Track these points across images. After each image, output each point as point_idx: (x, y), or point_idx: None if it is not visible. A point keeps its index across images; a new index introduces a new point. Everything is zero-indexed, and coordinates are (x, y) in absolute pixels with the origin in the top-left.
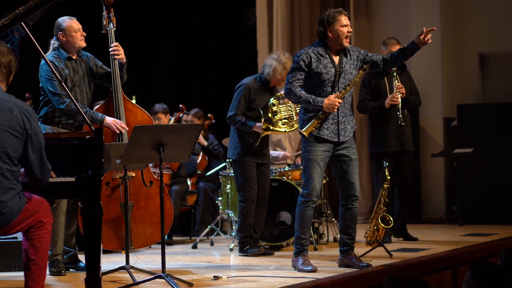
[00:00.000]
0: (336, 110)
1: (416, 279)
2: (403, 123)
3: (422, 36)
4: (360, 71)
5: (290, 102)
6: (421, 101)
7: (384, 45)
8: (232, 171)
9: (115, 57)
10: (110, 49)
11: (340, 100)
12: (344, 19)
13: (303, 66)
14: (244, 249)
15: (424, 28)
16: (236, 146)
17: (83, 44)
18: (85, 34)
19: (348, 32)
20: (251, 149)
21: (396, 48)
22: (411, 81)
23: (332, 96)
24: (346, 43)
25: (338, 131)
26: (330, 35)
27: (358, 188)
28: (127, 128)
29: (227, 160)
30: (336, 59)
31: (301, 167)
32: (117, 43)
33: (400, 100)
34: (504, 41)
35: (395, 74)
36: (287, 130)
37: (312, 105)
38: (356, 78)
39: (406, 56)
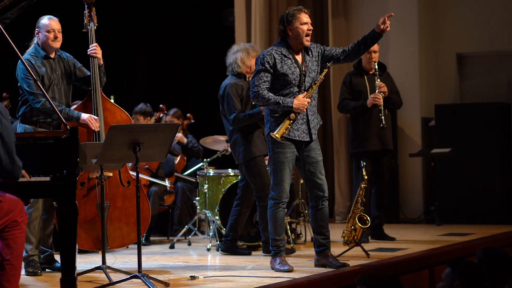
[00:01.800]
0: (305, 110)
1: (389, 276)
2: (385, 125)
3: (381, 24)
4: (325, 70)
5: None
6: (402, 102)
7: None
8: (209, 171)
9: (93, 54)
10: (88, 50)
11: (309, 100)
12: (303, 17)
13: (268, 68)
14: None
15: (381, 18)
16: (242, 148)
17: (55, 45)
18: (59, 36)
19: (308, 30)
20: (256, 144)
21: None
22: (391, 81)
23: (300, 96)
24: (306, 41)
25: (309, 130)
26: (290, 33)
27: (326, 188)
28: (99, 127)
29: (205, 160)
30: (299, 58)
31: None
32: (96, 44)
33: (382, 100)
34: (481, 42)
35: (376, 73)
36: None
37: (281, 106)
38: (321, 76)
39: (368, 45)
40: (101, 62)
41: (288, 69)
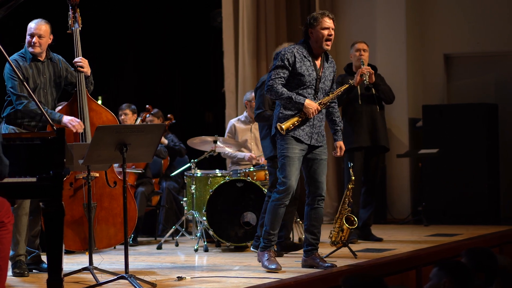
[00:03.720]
0: (312, 115)
1: (373, 277)
2: (368, 82)
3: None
4: (345, 85)
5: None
6: (394, 95)
7: (351, 48)
8: (197, 172)
9: (79, 69)
10: (74, 61)
11: (320, 108)
12: (326, 22)
13: (287, 65)
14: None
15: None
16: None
17: (35, 50)
18: (37, 42)
19: (328, 35)
20: None
21: (362, 45)
22: (382, 80)
23: (314, 101)
24: (326, 46)
25: (311, 134)
26: (312, 36)
27: (325, 189)
28: (82, 128)
29: (192, 160)
30: (318, 62)
31: (266, 168)
32: (81, 57)
33: (367, 77)
34: (469, 42)
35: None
36: None
37: (293, 102)
38: (341, 89)
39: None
40: (88, 73)
41: (306, 71)
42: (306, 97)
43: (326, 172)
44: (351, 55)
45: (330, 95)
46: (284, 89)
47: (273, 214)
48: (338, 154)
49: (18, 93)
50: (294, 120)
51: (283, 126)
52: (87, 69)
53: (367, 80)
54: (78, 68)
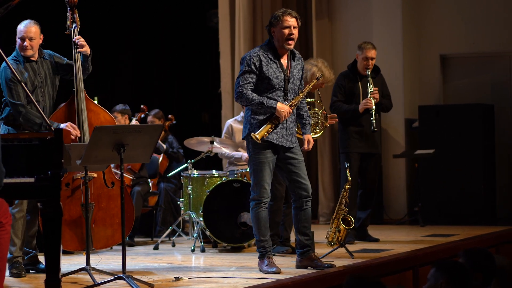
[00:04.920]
0: (284, 119)
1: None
2: (375, 129)
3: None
4: (314, 80)
5: (316, 109)
6: (392, 104)
7: (359, 49)
8: (194, 172)
9: (79, 49)
10: (74, 39)
11: (291, 110)
12: (287, 21)
13: (254, 69)
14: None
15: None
16: None
17: (27, 53)
18: (28, 44)
19: (289, 34)
20: None
21: (371, 53)
22: (384, 84)
23: (285, 104)
24: (287, 45)
25: (286, 136)
26: (274, 36)
27: (310, 189)
28: (79, 133)
29: (189, 161)
30: (284, 62)
31: None
32: (79, 36)
33: (373, 104)
34: (465, 43)
35: (369, 78)
36: (313, 136)
37: (265, 107)
38: (309, 86)
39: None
40: (88, 52)
41: (273, 73)
42: (277, 100)
43: (306, 172)
44: (357, 55)
45: (300, 95)
46: (254, 94)
47: (257, 221)
48: (306, 147)
49: (15, 101)
50: (268, 127)
51: (258, 136)
52: (86, 48)
53: (373, 110)
54: (80, 44)
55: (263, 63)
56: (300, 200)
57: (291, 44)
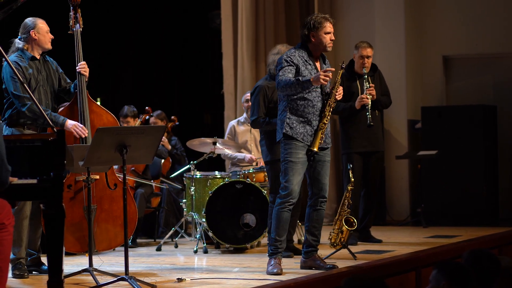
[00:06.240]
0: (326, 82)
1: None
2: (371, 123)
3: None
4: (340, 71)
5: None
6: (391, 101)
7: (356, 49)
8: (196, 174)
9: (83, 73)
10: (77, 67)
11: (324, 74)
12: (328, 26)
13: (293, 64)
14: None
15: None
16: (271, 147)
17: (50, 46)
18: (52, 37)
19: (330, 40)
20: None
21: (367, 51)
22: (382, 81)
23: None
24: (328, 49)
25: (322, 138)
26: (313, 40)
27: (327, 191)
28: (87, 133)
29: (192, 162)
30: (317, 65)
31: (265, 170)
32: (84, 62)
33: (370, 100)
34: (467, 44)
35: (366, 76)
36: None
37: (301, 83)
38: (337, 80)
39: None
40: (86, 78)
41: (309, 74)
42: (312, 100)
43: (329, 173)
44: (354, 55)
45: (332, 95)
46: (290, 75)
47: (277, 220)
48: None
49: (21, 94)
50: (319, 136)
51: (315, 149)
52: (87, 74)
53: (369, 106)
54: (81, 71)
55: (300, 63)
56: (316, 199)
57: (331, 47)
